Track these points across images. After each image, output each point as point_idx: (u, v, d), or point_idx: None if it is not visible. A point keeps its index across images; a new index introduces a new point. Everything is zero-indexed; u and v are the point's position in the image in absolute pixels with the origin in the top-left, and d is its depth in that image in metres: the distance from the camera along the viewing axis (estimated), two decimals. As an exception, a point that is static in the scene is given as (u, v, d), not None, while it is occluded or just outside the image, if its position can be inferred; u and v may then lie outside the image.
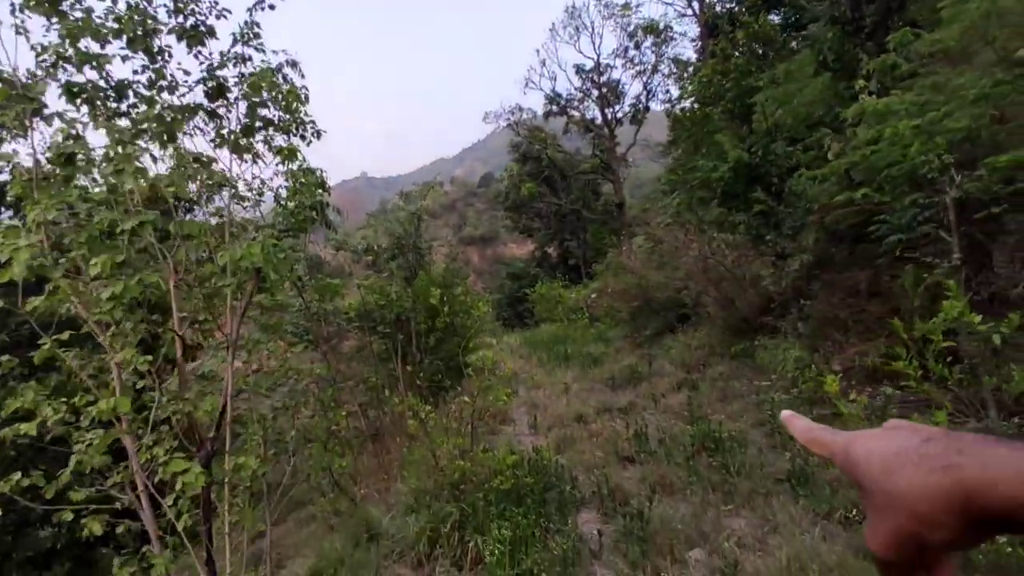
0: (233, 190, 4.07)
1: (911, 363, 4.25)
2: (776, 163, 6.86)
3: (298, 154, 4.50)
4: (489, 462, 4.36)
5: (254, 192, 4.48)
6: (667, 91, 26.24)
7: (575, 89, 27.92)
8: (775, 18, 14.30)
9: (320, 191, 5.39)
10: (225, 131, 4.18)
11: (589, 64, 27.66)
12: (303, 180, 4.34)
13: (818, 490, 4.56)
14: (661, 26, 24.06)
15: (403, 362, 9.38)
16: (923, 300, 6.24)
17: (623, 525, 4.20)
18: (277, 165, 4.37)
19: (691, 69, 19.80)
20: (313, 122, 4.53)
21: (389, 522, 4.93)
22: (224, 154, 4.15)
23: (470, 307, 12.58)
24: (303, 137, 4.49)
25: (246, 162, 4.21)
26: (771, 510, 4.33)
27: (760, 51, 13.13)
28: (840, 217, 7.72)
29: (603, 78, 27.01)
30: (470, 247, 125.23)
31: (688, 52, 25.29)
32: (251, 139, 4.16)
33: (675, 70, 25.52)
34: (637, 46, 25.78)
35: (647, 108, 27.11)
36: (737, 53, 12.96)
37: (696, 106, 14.91)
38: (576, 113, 28.21)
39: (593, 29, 27.26)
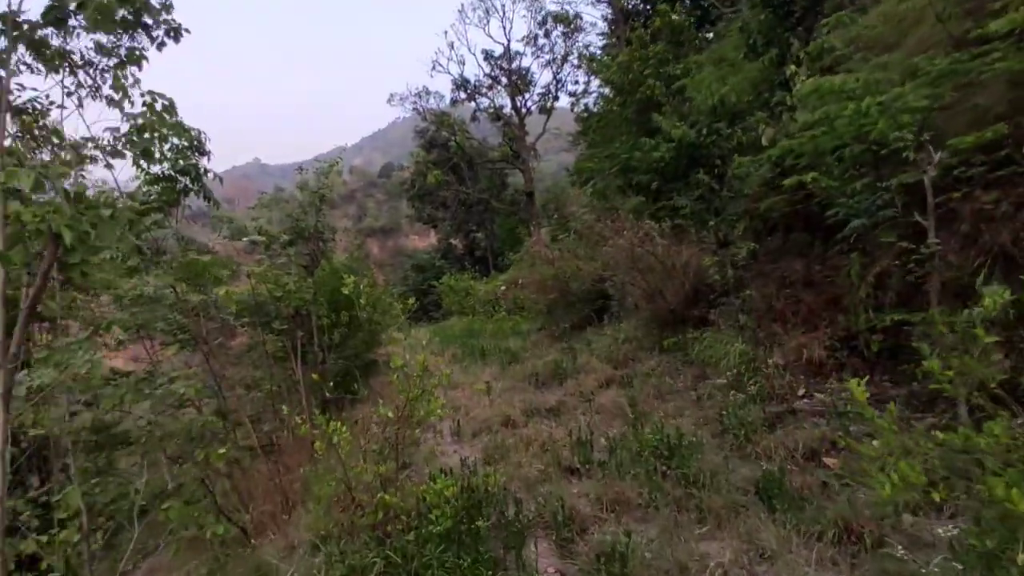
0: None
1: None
2: (719, 144, 6.39)
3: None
4: (425, 494, 3.47)
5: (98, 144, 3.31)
6: (576, 81, 26.02)
7: (484, 75, 27.13)
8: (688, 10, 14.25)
9: (194, 152, 4.25)
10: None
11: (499, 50, 26.98)
12: (157, 123, 3.17)
13: (795, 503, 4.05)
14: (571, 15, 23.75)
15: (303, 362, 8.22)
16: (867, 289, 6.00)
17: (591, 565, 3.45)
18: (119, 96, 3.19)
19: (601, 57, 19.52)
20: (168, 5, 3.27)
21: (290, 569, 3.91)
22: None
23: (378, 298, 11.55)
24: (153, 39, 3.28)
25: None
26: (750, 530, 3.75)
27: (678, 40, 12.94)
28: (773, 205, 7.44)
29: (513, 65, 26.39)
30: (370, 239, 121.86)
31: (598, 42, 25.16)
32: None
33: (582, 65, 25.44)
34: (547, 34, 25.36)
35: (556, 98, 26.82)
36: (655, 42, 12.69)
37: (611, 93, 14.59)
38: (485, 100, 27.40)
39: (504, 13, 26.56)
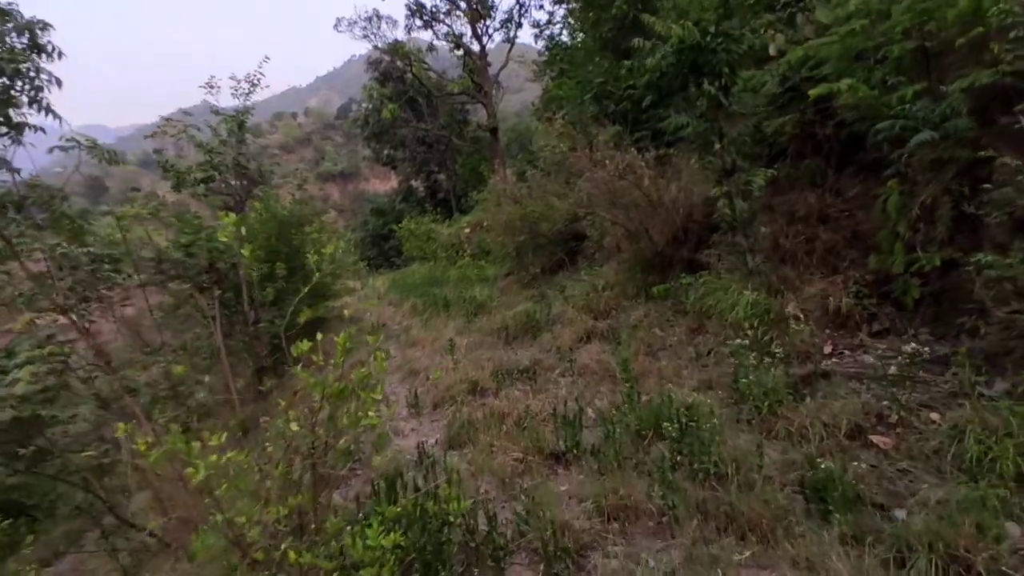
0: None
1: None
2: (728, 47, 5.15)
3: None
4: (353, 548, 2.31)
5: None
6: (540, 6, 24.01)
7: (441, -1, 24.82)
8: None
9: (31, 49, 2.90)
10: None
11: (455, -28, 24.59)
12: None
13: (854, 506, 3.07)
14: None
15: (231, 324, 6.95)
16: (906, 224, 4.97)
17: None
18: None
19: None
20: None
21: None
22: None
23: (327, 245, 10.18)
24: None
25: None
26: (808, 551, 2.76)
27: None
28: (781, 126, 6.28)
29: (472, -14, 24.13)
30: (329, 183, 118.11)
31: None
32: None
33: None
34: (508, -48, 23.12)
35: (519, 25, 24.80)
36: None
37: (581, 12, 13.06)
38: (444, 27, 25.21)
39: (459, -72, 24.06)
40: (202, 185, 6.35)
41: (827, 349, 4.86)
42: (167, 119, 6.29)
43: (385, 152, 31.70)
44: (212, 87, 6.39)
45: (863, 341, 4.86)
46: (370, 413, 2.60)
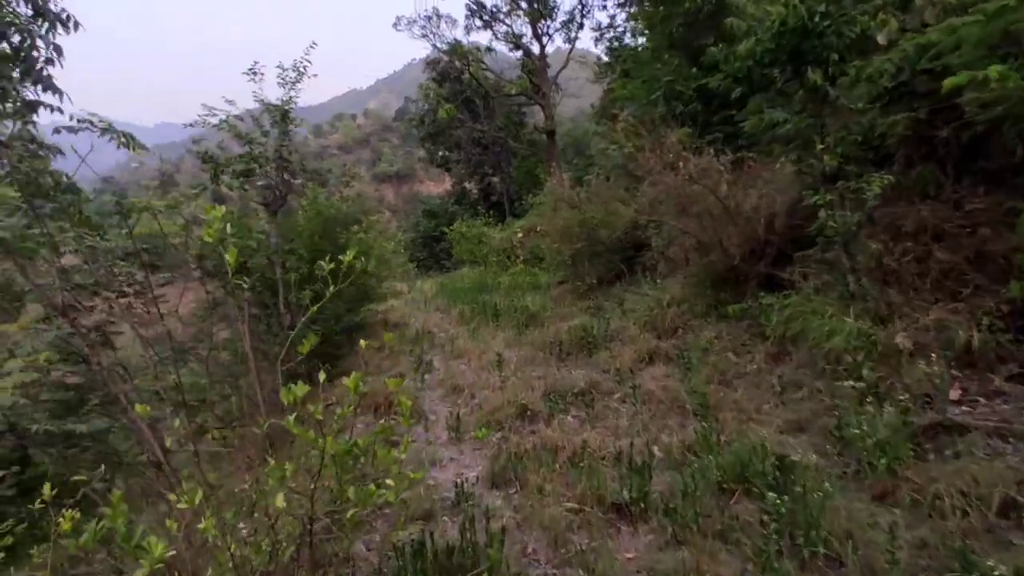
0: None
1: None
2: (839, 30, 4.36)
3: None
4: None
5: None
6: (603, 6, 23.27)
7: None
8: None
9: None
10: None
11: (517, -29, 24.11)
12: None
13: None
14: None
15: (267, 327, 6.54)
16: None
17: None
18: None
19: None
20: None
21: None
22: None
23: (373, 246, 9.75)
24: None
25: None
26: None
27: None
28: (891, 126, 5.40)
29: (534, -14, 23.59)
30: (384, 184, 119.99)
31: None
32: None
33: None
34: (572, -49, 22.47)
35: (581, 26, 24.11)
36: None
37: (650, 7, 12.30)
38: (503, 27, 24.77)
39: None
40: (242, 178, 5.96)
41: (954, 394, 4.01)
42: (210, 108, 5.95)
43: (440, 153, 31.51)
44: (256, 74, 5.99)
45: (1000, 387, 3.99)
46: (389, 481, 1.94)
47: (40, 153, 4.18)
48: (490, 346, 7.88)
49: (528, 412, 5.36)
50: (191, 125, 5.73)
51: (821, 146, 4.58)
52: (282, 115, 6.08)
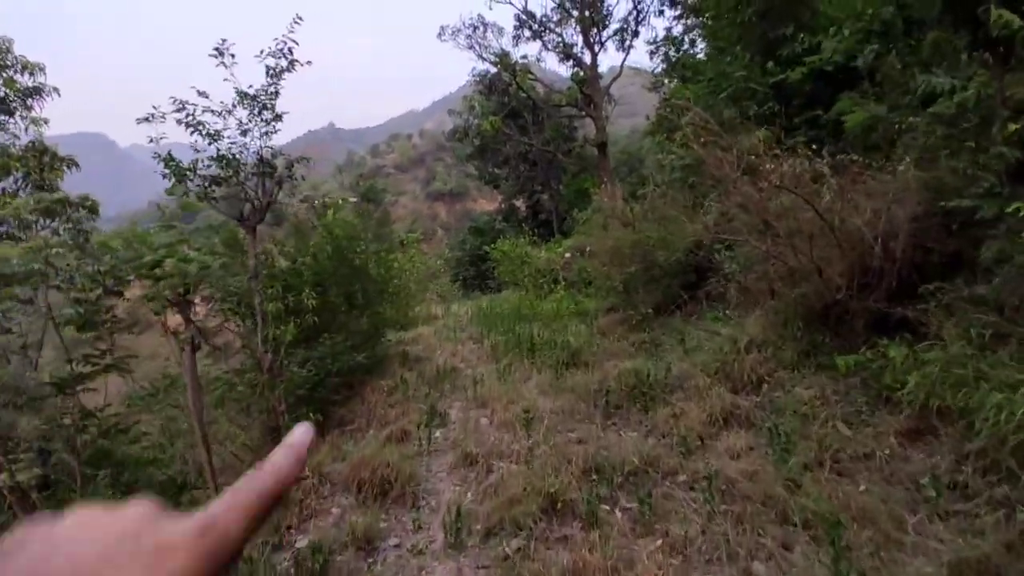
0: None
1: None
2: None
3: None
4: None
5: None
6: (660, 11, 21.77)
7: (553, 7, 23.18)
8: None
9: None
10: None
11: (569, -24, 22.89)
12: None
13: None
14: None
15: (257, 366, 5.30)
16: None
17: None
18: None
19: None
20: None
21: None
22: None
23: (392, 267, 8.51)
24: None
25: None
26: None
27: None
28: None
29: (585, -7, 22.29)
30: (438, 202, 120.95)
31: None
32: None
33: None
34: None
35: (636, 33, 22.66)
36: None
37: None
38: (553, 39, 23.55)
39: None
40: (213, 187, 4.77)
41: None
42: (180, 101, 4.78)
43: (489, 170, 30.46)
44: (222, 54, 4.76)
45: None
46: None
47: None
48: (521, 392, 6.44)
49: (558, 505, 3.88)
50: (147, 120, 4.58)
51: (1013, 127, 2.98)
52: (261, 108, 4.88)
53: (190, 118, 4.70)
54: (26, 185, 9.40)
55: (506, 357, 8.22)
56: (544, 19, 23.35)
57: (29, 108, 9.71)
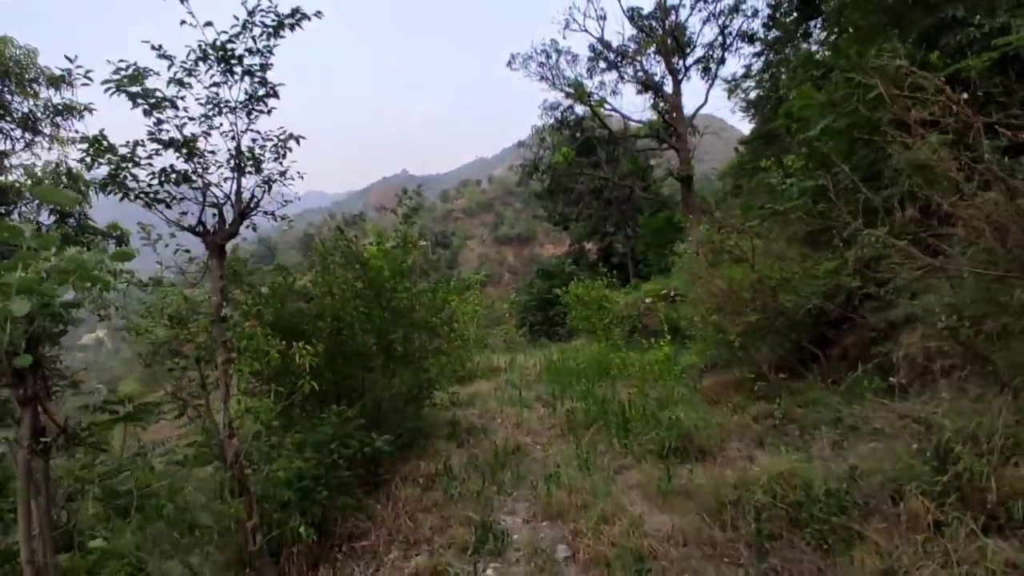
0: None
1: None
2: None
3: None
4: None
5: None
6: (749, 35, 19.80)
7: (629, 38, 21.60)
8: None
9: None
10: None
11: (648, 6, 21.37)
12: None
13: None
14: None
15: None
16: None
17: None
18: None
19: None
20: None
21: None
22: None
23: (437, 310, 6.80)
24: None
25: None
26: None
27: None
28: None
29: (668, 20, 20.59)
30: (505, 246, 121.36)
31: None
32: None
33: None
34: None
35: (723, 60, 20.73)
36: None
37: None
38: (630, 70, 21.90)
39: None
40: (154, 178, 3.14)
41: None
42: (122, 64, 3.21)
43: (559, 210, 28.67)
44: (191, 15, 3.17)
45: None
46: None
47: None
48: (616, 498, 4.39)
49: None
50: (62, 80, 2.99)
51: None
52: (244, 72, 3.26)
53: (124, 80, 3.08)
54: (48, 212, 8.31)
55: (587, 432, 6.18)
56: (621, 48, 21.80)
57: (58, 127, 8.59)
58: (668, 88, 20.87)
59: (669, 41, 20.86)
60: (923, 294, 6.25)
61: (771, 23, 18.59)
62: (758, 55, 19.66)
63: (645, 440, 5.53)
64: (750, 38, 19.75)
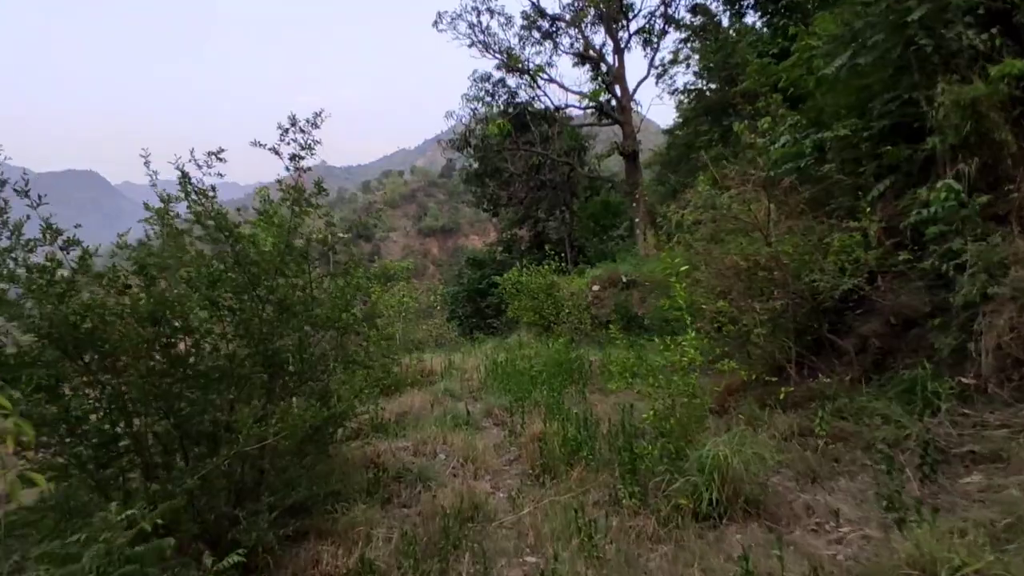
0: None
1: None
2: None
3: None
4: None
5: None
6: (693, 4, 18.50)
7: (565, 6, 19.79)
8: None
9: None
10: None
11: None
12: None
13: None
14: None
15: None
16: None
17: None
18: None
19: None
20: None
21: None
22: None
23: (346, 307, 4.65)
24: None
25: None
26: None
27: None
28: None
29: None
30: (430, 239, 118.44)
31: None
32: None
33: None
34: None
35: (664, 31, 19.36)
36: None
37: None
38: (566, 41, 20.18)
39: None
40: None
41: None
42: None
43: (488, 193, 26.42)
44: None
45: None
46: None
47: None
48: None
49: None
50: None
51: None
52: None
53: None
54: None
55: (573, 472, 4.29)
56: (558, 16, 19.99)
57: None
58: (611, 59, 19.27)
59: (610, 7, 19.20)
60: (998, 269, 4.81)
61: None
62: (685, 41, 18.42)
63: (666, 487, 3.71)
64: (677, 24, 18.55)
